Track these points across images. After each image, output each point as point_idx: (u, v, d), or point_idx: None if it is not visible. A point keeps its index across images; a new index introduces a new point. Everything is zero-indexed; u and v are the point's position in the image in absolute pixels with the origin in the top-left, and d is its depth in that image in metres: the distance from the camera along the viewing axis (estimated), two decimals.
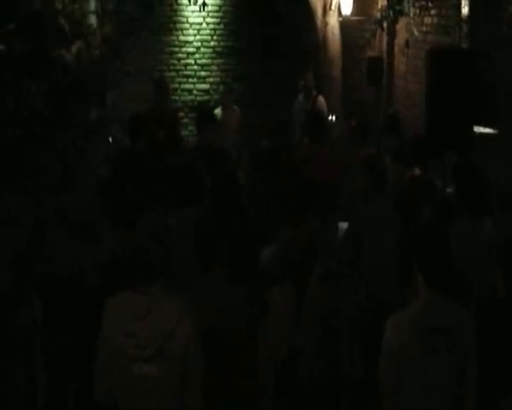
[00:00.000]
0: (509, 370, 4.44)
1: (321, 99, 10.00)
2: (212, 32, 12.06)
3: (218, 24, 12.04)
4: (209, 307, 3.88)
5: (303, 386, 4.18)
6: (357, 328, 4.26)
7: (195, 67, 12.09)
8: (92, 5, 8.20)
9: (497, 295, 4.89)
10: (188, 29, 11.97)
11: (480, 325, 4.03)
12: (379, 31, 9.18)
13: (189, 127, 11.55)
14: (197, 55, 12.06)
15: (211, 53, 12.08)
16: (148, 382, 3.36)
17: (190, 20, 11.94)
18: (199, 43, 12.04)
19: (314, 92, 10.00)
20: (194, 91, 12.12)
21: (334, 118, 9.69)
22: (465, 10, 7.82)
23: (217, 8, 11.99)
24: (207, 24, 12.01)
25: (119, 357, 3.39)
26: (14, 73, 4.66)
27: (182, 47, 12.00)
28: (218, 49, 12.08)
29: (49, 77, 4.72)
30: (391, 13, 8.76)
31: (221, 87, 10.37)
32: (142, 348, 3.35)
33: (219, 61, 12.09)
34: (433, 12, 8.68)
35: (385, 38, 10.36)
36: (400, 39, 9.96)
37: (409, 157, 6.38)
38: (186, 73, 12.06)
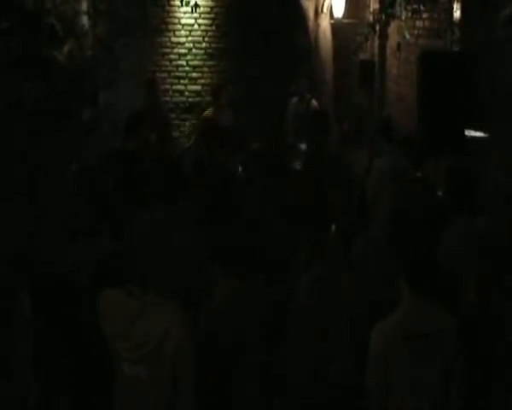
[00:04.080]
0: (502, 373, 4.46)
1: (314, 103, 10.00)
2: (204, 33, 12.05)
3: (210, 25, 12.05)
4: (218, 308, 3.89)
5: (301, 387, 4.17)
6: (354, 329, 4.25)
7: (187, 68, 12.09)
8: (84, 5, 8.18)
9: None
10: (180, 30, 11.97)
11: (471, 330, 4.06)
12: (371, 34, 9.19)
13: (181, 128, 11.56)
14: (189, 57, 12.06)
15: (202, 54, 12.08)
16: (139, 383, 3.38)
17: (182, 21, 11.94)
18: (191, 45, 12.04)
19: (308, 96, 10.00)
20: (186, 93, 12.11)
21: None
22: (457, 14, 7.83)
23: (209, 9, 11.99)
24: (199, 25, 12.01)
25: (112, 354, 3.43)
26: (9, 74, 4.65)
27: (173, 48, 12.00)
28: (210, 51, 12.08)
29: (44, 78, 4.72)
30: (383, 16, 8.77)
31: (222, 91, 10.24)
32: (133, 350, 3.37)
33: (211, 62, 12.09)
34: (425, 15, 8.70)
35: (377, 41, 10.37)
36: (392, 42, 9.97)
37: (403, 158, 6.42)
38: (178, 74, 12.06)
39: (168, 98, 11.89)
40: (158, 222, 3.62)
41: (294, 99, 10.14)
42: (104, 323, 3.47)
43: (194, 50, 12.06)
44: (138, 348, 3.36)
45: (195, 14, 11.58)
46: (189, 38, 12.02)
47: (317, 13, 11.29)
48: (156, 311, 3.41)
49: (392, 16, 8.68)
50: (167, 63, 12.01)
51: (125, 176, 5.91)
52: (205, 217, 5.11)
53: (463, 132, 6.54)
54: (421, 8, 8.20)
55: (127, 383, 3.42)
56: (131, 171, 6.04)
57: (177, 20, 11.94)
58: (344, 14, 10.86)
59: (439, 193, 5.96)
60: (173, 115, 11.71)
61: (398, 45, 9.47)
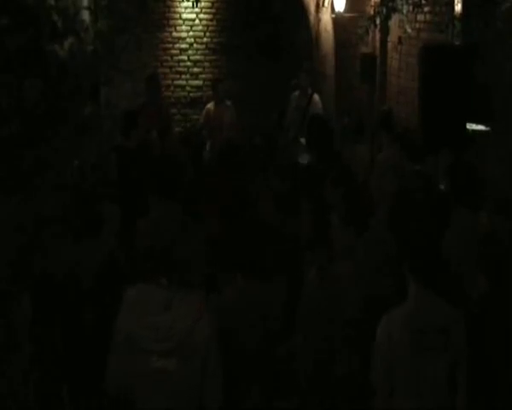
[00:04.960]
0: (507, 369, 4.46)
1: (316, 97, 9.96)
2: (205, 28, 12.05)
3: (211, 20, 12.03)
4: (224, 306, 3.89)
5: (301, 388, 4.18)
6: (355, 328, 4.26)
7: (188, 63, 12.08)
8: (85, 1, 8.17)
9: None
10: (181, 25, 11.96)
11: (475, 325, 4.05)
12: (372, 27, 9.15)
13: (182, 124, 11.55)
14: (190, 52, 12.05)
15: (204, 49, 12.07)
16: (166, 376, 3.36)
17: (183, 16, 11.93)
18: (192, 40, 12.02)
19: (309, 90, 9.96)
20: (187, 88, 12.11)
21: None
22: (458, 7, 7.80)
23: (210, 4, 11.98)
24: (200, 20, 12.00)
25: (135, 350, 3.38)
26: (8, 70, 4.64)
27: (175, 43, 11.99)
28: (211, 46, 12.07)
29: (44, 74, 4.70)
30: (384, 9, 8.72)
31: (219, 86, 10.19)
32: (162, 342, 3.35)
33: (212, 57, 12.08)
34: (426, 9, 8.65)
35: (378, 35, 10.33)
36: (393, 36, 9.92)
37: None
38: (179, 69, 12.05)
39: (169, 93, 11.89)
40: (158, 220, 3.63)
41: (296, 93, 10.11)
42: (130, 318, 3.40)
43: (195, 45, 12.05)
44: (168, 339, 3.34)
45: (196, 9, 11.57)
46: (191, 33, 12.01)
47: (319, 7, 11.26)
48: (184, 300, 3.40)
49: (393, 10, 8.63)
50: (168, 58, 12.00)
51: (126, 174, 5.92)
52: (212, 217, 5.12)
53: (465, 126, 6.53)
54: (423, 1, 8.15)
55: (153, 377, 3.38)
56: (131, 169, 6.06)
57: (178, 15, 11.93)
58: (345, 8, 10.82)
59: (441, 187, 5.96)
60: (175, 110, 11.70)
61: (400, 39, 9.42)
